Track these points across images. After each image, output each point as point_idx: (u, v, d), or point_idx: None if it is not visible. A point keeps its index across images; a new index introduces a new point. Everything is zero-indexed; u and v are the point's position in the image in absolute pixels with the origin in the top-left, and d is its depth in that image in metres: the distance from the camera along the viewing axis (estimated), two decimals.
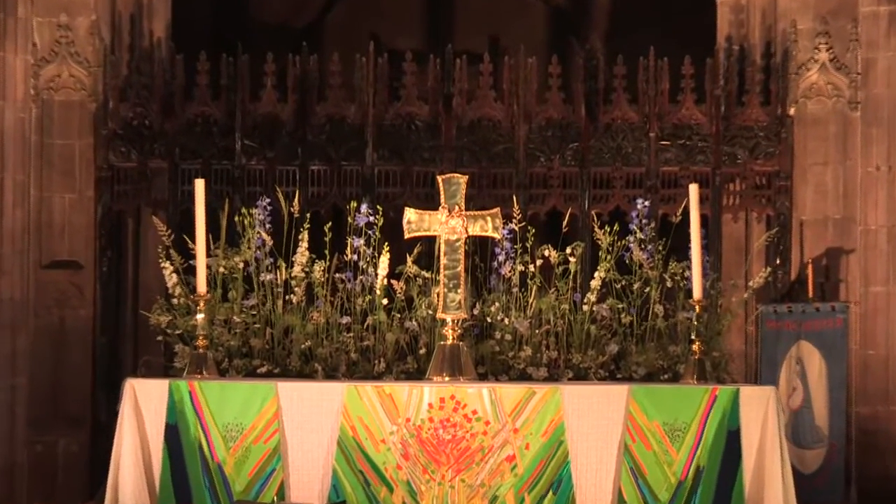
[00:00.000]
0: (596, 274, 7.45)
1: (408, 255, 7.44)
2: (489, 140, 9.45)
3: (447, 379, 6.86)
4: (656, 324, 7.44)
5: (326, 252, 7.47)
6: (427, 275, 7.42)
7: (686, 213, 7.24)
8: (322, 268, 7.44)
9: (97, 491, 7.78)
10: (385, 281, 7.38)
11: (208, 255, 7.25)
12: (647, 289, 7.46)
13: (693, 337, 7.05)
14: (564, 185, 9.43)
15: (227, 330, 7.40)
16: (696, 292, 7.03)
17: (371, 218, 7.45)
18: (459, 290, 7.01)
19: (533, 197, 9.38)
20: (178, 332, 7.41)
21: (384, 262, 7.36)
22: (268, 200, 7.62)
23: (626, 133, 9.43)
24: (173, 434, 6.61)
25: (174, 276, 7.46)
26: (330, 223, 7.52)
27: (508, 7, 10.45)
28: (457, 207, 7.08)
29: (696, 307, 7.04)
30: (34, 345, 9.15)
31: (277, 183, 9.11)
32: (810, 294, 9.02)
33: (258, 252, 7.49)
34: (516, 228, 7.48)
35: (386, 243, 7.43)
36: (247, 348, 7.41)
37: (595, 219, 7.94)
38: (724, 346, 7.71)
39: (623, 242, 7.50)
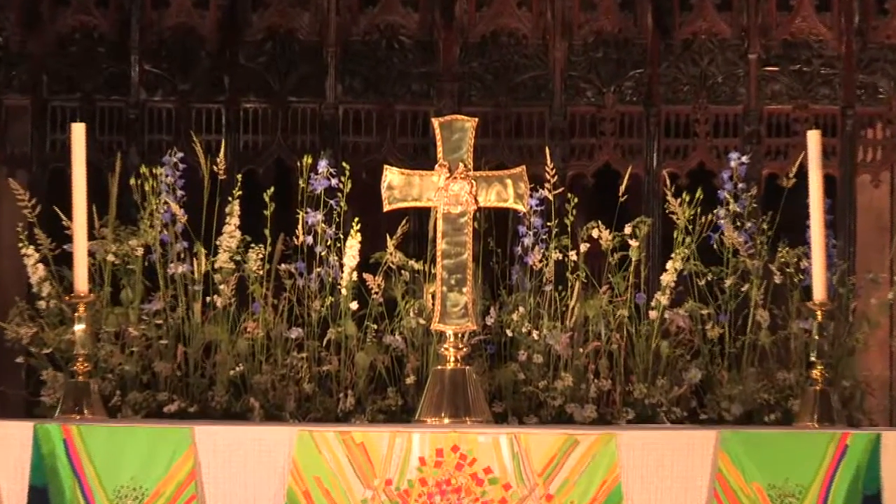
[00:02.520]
0: (669, 265, 7.47)
1: (388, 237, 7.45)
2: (510, 65, 9.44)
3: (447, 421, 6.89)
4: (758, 339, 7.46)
5: (267, 232, 7.48)
6: (417, 266, 7.43)
7: (803, 173, 7.23)
8: (260, 255, 7.44)
9: None
10: (354, 275, 7.38)
11: (91, 237, 7.25)
12: (746, 286, 7.46)
13: (813, 358, 7.06)
14: (622, 133, 9.43)
15: (119, 348, 7.40)
16: (818, 292, 7.04)
17: (334, 181, 7.45)
18: (465, 290, 7.02)
19: (575, 150, 9.38)
20: (46, 350, 7.42)
21: (353, 247, 7.37)
22: (180, 155, 7.63)
23: (713, 54, 9.43)
24: (40, 501, 6.63)
25: (40, 267, 7.46)
26: (272, 189, 7.51)
27: None
28: (461, 166, 7.08)
29: (818, 313, 7.05)
30: None
31: (195, 129, 9.10)
32: None
33: (165, 232, 7.49)
34: (550, 197, 7.48)
35: (356, 219, 7.43)
36: (149, 375, 7.43)
37: (668, 182, 7.93)
38: (859, 370, 7.72)
39: (710, 218, 7.51)
